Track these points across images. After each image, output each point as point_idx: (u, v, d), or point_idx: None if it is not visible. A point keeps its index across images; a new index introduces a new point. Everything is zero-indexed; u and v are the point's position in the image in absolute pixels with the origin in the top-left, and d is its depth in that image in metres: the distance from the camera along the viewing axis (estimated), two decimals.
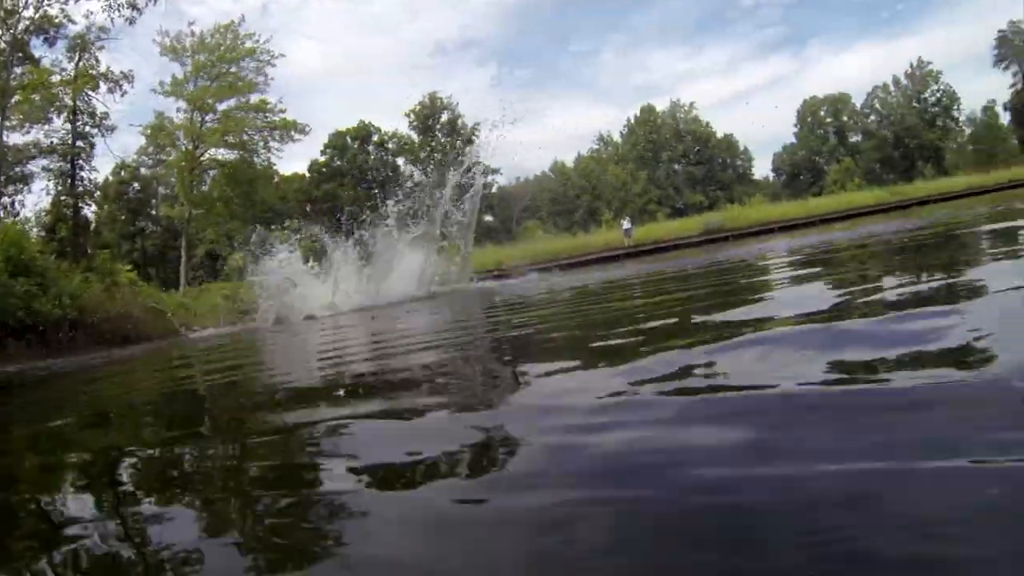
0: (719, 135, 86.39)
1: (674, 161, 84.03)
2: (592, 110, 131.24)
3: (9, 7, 35.11)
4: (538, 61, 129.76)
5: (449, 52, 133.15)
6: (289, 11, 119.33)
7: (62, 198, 40.23)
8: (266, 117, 48.90)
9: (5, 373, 12.65)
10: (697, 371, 3.09)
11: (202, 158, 48.24)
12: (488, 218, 79.08)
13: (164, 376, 9.19)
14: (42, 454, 4.17)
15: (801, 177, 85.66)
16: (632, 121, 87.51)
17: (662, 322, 5.70)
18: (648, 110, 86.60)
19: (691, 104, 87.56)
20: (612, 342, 4.97)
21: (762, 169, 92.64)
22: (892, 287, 5.18)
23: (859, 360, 2.75)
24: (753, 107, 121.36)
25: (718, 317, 5.14)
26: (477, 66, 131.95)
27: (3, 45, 35.64)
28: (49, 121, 38.49)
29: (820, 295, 5.51)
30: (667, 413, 2.49)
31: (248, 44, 47.61)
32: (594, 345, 4.96)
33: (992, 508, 1.39)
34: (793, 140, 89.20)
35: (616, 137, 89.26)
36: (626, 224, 38.47)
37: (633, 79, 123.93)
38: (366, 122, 77.68)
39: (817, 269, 8.87)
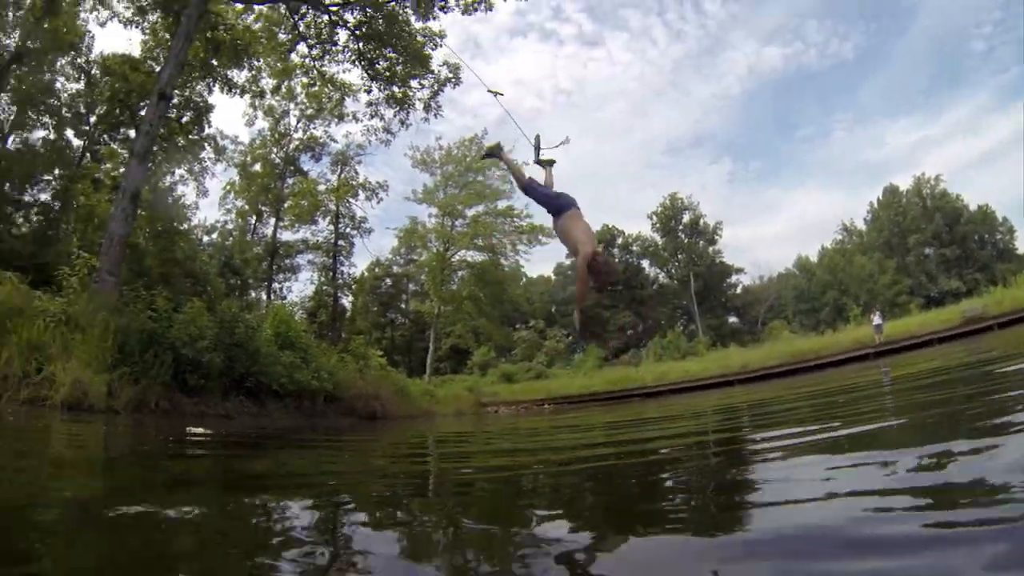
0: (972, 208, 75.21)
1: (924, 245, 75.00)
2: (830, 195, 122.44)
3: (283, 131, 41.69)
4: (769, 151, 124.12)
5: (682, 150, 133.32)
6: (525, 123, 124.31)
7: (324, 288, 43.83)
8: (513, 222, 50.88)
9: (264, 428, 13.54)
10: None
11: (452, 259, 50.95)
12: (732, 319, 76.95)
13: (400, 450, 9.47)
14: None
15: None
16: (875, 205, 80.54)
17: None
18: (891, 191, 78.87)
19: (937, 177, 77.50)
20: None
21: None
22: None
23: None
24: (1005, 165, 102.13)
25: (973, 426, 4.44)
26: (711, 162, 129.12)
27: (278, 160, 42.26)
28: (315, 222, 42.89)
29: None
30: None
31: None
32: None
33: None
34: None
35: (860, 224, 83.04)
36: (876, 319, 34.89)
37: (868, 156, 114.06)
38: (610, 226, 78.72)
39: None
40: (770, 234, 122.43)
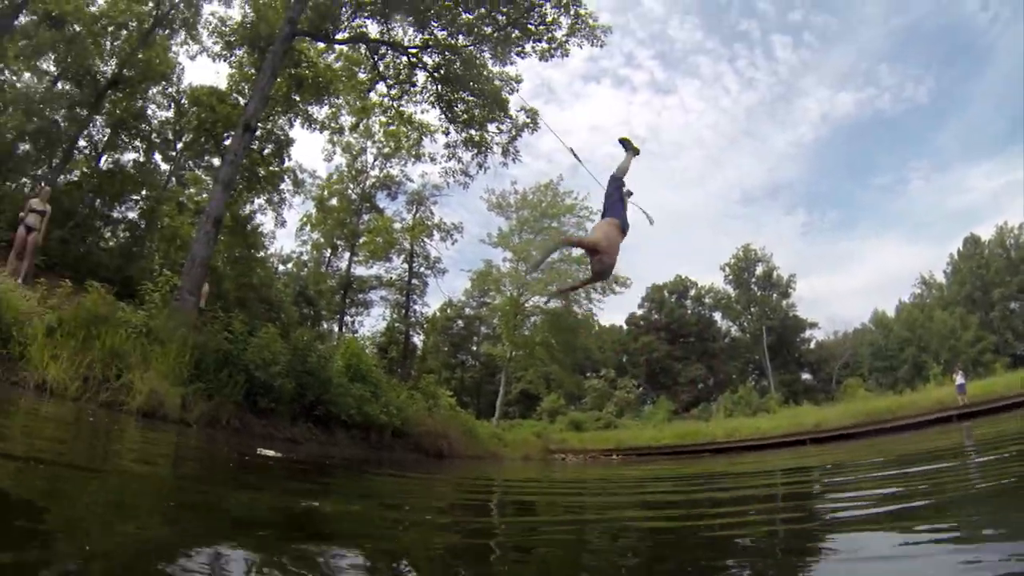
0: None
1: (1009, 299, 68.36)
2: (909, 247, 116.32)
3: (360, 167, 42.88)
4: (845, 201, 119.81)
5: (758, 200, 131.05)
6: (600, 171, 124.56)
7: (396, 324, 44.26)
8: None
9: (331, 456, 13.62)
10: None
11: (525, 304, 50.77)
12: (805, 375, 74.89)
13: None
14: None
15: None
16: (955, 257, 74.77)
17: None
18: (972, 242, 72.80)
19: (1021, 226, 70.56)
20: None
21: None
22: None
23: None
24: None
25: None
26: (786, 213, 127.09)
27: (354, 196, 43.37)
28: (389, 260, 43.53)
29: None
30: None
31: (567, 201, 50.47)
32: None
33: None
34: None
35: (940, 277, 78.04)
36: (959, 379, 32.25)
37: (948, 205, 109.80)
38: (682, 276, 78.03)
39: None
40: (846, 287, 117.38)
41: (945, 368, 48.34)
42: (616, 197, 7.54)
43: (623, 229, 7.38)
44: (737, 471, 14.55)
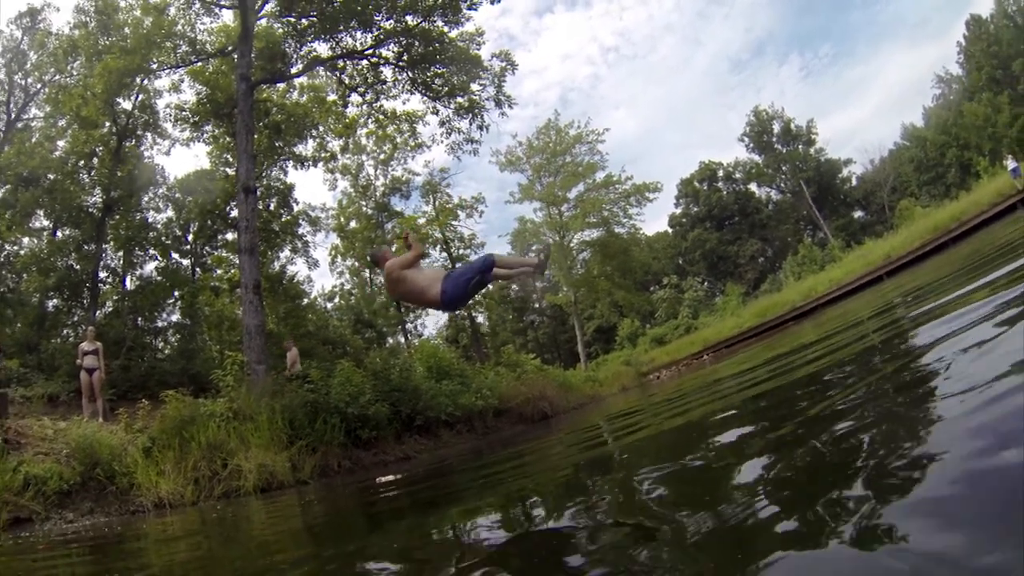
0: None
1: None
2: (914, 52, 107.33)
3: (364, 184, 42.37)
4: (831, 30, 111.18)
5: (747, 63, 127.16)
6: (586, 93, 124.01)
7: (456, 312, 44.33)
8: (616, 188, 50.61)
9: (444, 460, 13.74)
10: None
11: (571, 244, 50.89)
12: (857, 214, 73.23)
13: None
14: None
15: None
16: (964, 43, 67.42)
17: None
18: (976, 22, 65.59)
19: None
20: None
21: None
22: None
23: None
24: None
25: None
26: (780, 64, 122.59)
27: (370, 211, 42.59)
28: (427, 255, 42.92)
29: None
30: None
31: (572, 132, 50.27)
32: None
33: None
34: None
35: (955, 70, 69.97)
36: (1010, 163, 29.96)
37: None
38: (706, 162, 76.90)
39: None
40: (865, 113, 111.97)
41: (991, 159, 46.54)
42: (471, 283, 6.29)
43: (438, 297, 6.14)
44: (826, 335, 13.83)
